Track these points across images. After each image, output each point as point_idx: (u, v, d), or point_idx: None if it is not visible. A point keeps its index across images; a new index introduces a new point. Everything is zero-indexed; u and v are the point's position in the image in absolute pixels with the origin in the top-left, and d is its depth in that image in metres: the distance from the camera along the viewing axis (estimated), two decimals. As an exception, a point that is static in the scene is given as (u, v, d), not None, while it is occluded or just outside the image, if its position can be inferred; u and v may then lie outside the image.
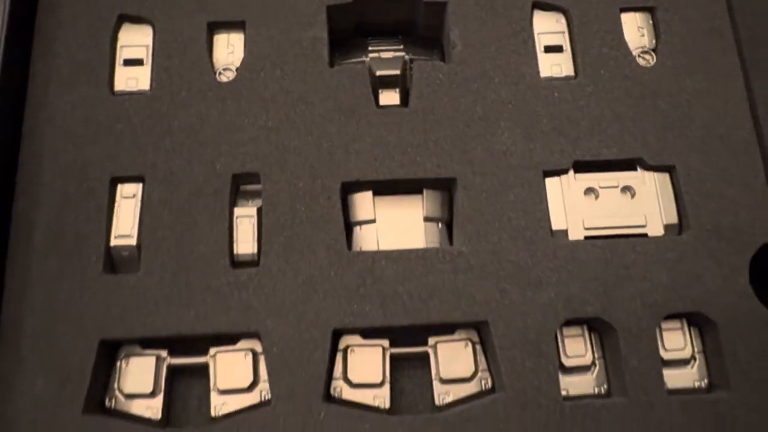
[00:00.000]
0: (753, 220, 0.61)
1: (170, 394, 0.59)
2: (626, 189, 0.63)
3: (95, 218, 0.59)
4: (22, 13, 0.64)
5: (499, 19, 0.67)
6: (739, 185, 0.62)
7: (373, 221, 0.62)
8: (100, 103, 0.63)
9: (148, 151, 0.61)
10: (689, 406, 0.56)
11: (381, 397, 0.57)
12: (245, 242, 0.60)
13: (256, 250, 0.60)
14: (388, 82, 0.66)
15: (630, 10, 0.68)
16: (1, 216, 0.59)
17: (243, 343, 0.58)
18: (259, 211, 0.61)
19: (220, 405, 0.57)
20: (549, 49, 0.67)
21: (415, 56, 0.68)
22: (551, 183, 0.62)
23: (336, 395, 0.57)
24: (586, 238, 0.61)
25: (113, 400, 0.57)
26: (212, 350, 0.58)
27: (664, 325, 0.59)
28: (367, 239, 0.62)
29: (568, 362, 0.59)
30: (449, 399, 0.58)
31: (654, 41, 0.68)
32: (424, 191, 0.63)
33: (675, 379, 0.58)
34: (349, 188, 0.62)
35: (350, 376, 0.58)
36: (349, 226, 0.62)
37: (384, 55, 0.68)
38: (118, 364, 0.58)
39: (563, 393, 0.57)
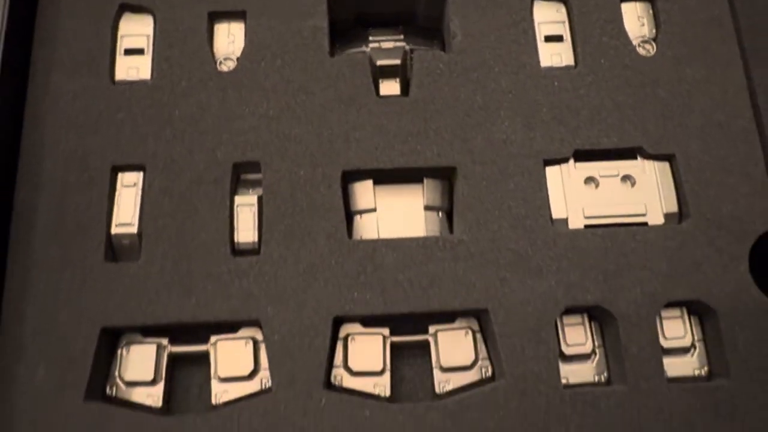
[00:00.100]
0: (753, 208, 0.61)
1: (171, 382, 0.59)
2: (626, 178, 0.63)
3: (96, 207, 0.59)
4: (23, 3, 0.64)
5: (499, 8, 0.67)
6: (739, 174, 0.62)
7: (373, 210, 0.62)
8: (101, 93, 0.63)
9: (149, 140, 0.61)
10: (689, 394, 0.56)
11: (381, 386, 0.58)
12: (246, 230, 0.60)
13: (256, 239, 0.60)
14: (388, 72, 0.66)
15: (630, -1, 0.69)
16: (3, 205, 0.59)
17: (244, 331, 0.58)
18: (260, 199, 0.61)
19: (221, 393, 0.57)
20: (549, 39, 0.67)
21: (416, 46, 0.68)
22: (551, 172, 0.62)
23: (336, 383, 0.57)
24: (587, 226, 0.61)
25: (114, 388, 0.57)
26: (213, 338, 0.58)
27: (664, 314, 0.60)
28: (367, 228, 0.62)
29: (568, 350, 0.59)
30: (449, 387, 0.58)
31: (654, 31, 0.68)
32: (425, 180, 0.63)
33: (675, 367, 0.58)
34: (349, 177, 0.62)
35: (351, 364, 0.58)
36: (349, 215, 0.62)
37: (384, 44, 0.68)
38: (119, 351, 0.58)
39: (563, 381, 0.57)
